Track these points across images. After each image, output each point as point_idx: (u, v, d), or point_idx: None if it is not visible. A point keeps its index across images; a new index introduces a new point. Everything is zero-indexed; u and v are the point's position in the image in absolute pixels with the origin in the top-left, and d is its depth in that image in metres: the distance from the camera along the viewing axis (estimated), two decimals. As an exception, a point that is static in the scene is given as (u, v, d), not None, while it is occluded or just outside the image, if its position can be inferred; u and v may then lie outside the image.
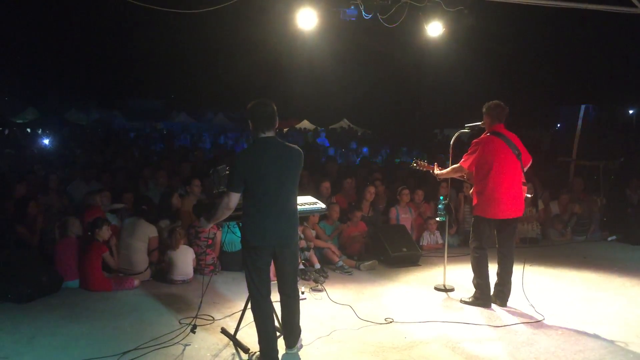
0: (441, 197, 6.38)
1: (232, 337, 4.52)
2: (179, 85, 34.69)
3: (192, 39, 27.41)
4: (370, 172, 10.43)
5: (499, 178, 5.26)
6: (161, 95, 38.65)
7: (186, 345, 4.45)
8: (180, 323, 4.93)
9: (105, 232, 6.14)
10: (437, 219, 6.51)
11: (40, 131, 21.96)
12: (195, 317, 4.83)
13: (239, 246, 6.29)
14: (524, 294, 5.56)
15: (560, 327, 4.95)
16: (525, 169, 5.42)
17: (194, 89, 33.96)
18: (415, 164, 6.04)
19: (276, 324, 4.21)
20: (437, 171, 5.83)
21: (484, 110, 5.45)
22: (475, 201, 5.46)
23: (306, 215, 6.56)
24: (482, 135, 5.46)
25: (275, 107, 3.94)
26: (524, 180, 5.39)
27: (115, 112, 29.83)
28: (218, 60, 29.43)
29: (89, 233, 6.14)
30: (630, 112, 22.24)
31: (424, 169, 5.97)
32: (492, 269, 5.52)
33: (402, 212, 8.30)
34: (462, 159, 5.47)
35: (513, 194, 5.31)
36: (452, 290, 6.05)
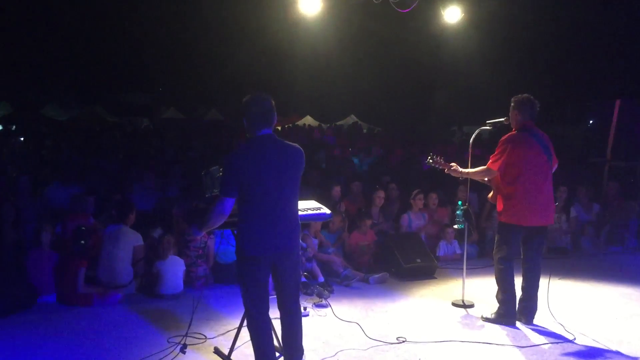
0: (459, 202, 6.35)
1: (227, 358, 4.52)
2: (167, 77, 34.75)
3: (183, 27, 27.45)
4: (380, 174, 10.42)
5: (530, 181, 5.24)
6: (148, 88, 38.74)
7: (175, 366, 4.46)
8: (168, 342, 4.94)
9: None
10: (455, 226, 6.47)
11: (13, 128, 22.04)
12: (186, 335, 4.83)
13: (233, 256, 6.29)
14: (549, 310, 5.54)
15: (593, 348, 4.93)
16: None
17: (183, 82, 34.02)
18: (431, 160, 5.99)
19: (275, 343, 4.21)
20: (460, 170, 5.76)
21: (512, 104, 5.42)
22: (500, 206, 5.43)
23: (308, 222, 6.59)
24: (511, 133, 5.43)
25: (273, 102, 3.95)
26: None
27: (97, 107, 29.93)
28: (211, 49, 29.46)
29: (74, 242, 6.16)
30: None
31: (441, 167, 5.93)
32: (517, 282, 5.50)
33: (415, 218, 8.29)
34: (491, 160, 5.43)
35: (544, 198, 5.30)
36: (471, 306, 6.04)
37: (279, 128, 21.86)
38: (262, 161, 3.82)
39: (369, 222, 7.76)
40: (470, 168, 5.76)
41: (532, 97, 5.40)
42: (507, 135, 5.40)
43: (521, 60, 22.89)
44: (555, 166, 5.54)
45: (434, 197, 8.60)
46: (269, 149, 3.88)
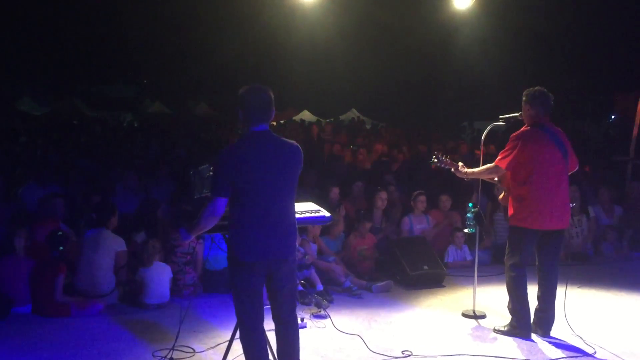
0: (470, 204, 6.36)
1: (217, 373, 4.53)
2: (152, 68, 34.73)
3: (169, 12, 27.45)
4: (382, 173, 10.42)
5: (543, 180, 5.25)
6: (131, 80, 38.72)
7: (161, 382, 4.48)
8: (154, 356, 4.94)
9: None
10: (466, 230, 6.50)
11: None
12: (172, 349, 4.85)
13: (224, 262, 6.31)
14: (566, 321, 5.56)
15: (615, 363, 4.96)
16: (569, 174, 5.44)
17: (170, 73, 34.00)
18: (436, 160, 6.01)
19: (270, 357, 4.22)
20: (464, 170, 5.80)
21: (525, 98, 5.45)
22: (512, 209, 5.45)
23: (306, 226, 6.60)
24: (523, 129, 5.45)
25: (272, 95, 3.96)
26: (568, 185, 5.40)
27: (76, 101, 29.93)
28: (200, 38, 29.45)
29: (50, 248, 6.16)
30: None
31: (447, 167, 5.96)
32: (532, 291, 5.52)
33: (417, 222, 8.30)
34: (499, 157, 5.45)
35: (559, 200, 5.31)
36: (483, 317, 6.05)
37: (274, 123, 21.86)
38: (257, 159, 3.83)
39: (368, 225, 7.75)
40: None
41: (545, 90, 5.42)
42: (518, 131, 5.42)
43: (537, 50, 22.92)
44: (576, 167, 5.56)
45: (444, 199, 8.60)
46: (264, 146, 3.88)
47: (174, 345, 4.87)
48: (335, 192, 8.35)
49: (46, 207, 7.12)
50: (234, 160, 3.83)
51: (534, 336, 5.47)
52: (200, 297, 6.63)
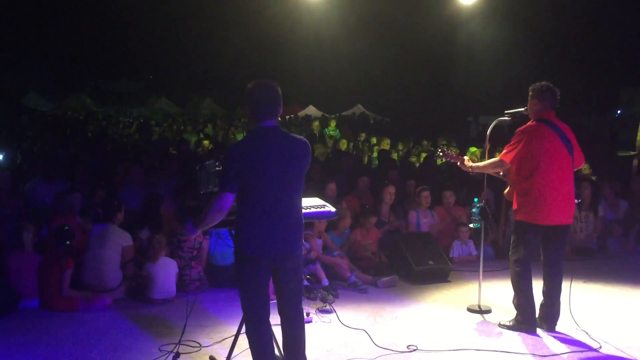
0: (475, 199, 6.35)
1: (223, 368, 4.54)
2: (158, 64, 34.77)
3: (174, 8, 27.45)
4: (387, 168, 10.41)
5: (548, 176, 5.23)
6: (137, 76, 38.81)
7: (168, 377, 4.49)
8: (160, 350, 4.96)
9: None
10: (471, 225, 6.48)
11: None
12: (179, 343, 4.85)
13: (231, 258, 6.31)
14: (572, 316, 5.55)
15: (620, 358, 4.94)
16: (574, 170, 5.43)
17: (176, 69, 34.03)
18: (441, 153, 5.99)
19: (276, 352, 4.22)
20: (469, 164, 5.79)
21: (531, 93, 5.43)
22: (516, 204, 5.44)
23: (311, 222, 6.60)
24: (529, 123, 5.43)
25: (279, 90, 3.95)
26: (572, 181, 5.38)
27: (82, 96, 30.00)
28: (205, 34, 29.48)
29: (57, 242, 6.18)
30: None
31: (452, 161, 5.94)
32: (537, 285, 5.51)
33: (423, 216, 8.29)
34: (504, 151, 5.44)
35: (564, 195, 5.29)
36: (488, 311, 6.05)
37: (279, 119, 21.84)
38: (264, 155, 3.83)
39: (373, 220, 7.75)
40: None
41: (551, 85, 5.40)
42: (523, 126, 5.41)
43: (543, 44, 22.78)
44: (582, 163, 5.53)
45: (447, 195, 8.59)
46: (272, 142, 3.88)
47: (180, 340, 4.88)
48: (331, 188, 8.24)
49: (63, 201, 7.11)
50: (242, 156, 3.83)
51: (539, 331, 5.46)
52: (206, 291, 6.65)
